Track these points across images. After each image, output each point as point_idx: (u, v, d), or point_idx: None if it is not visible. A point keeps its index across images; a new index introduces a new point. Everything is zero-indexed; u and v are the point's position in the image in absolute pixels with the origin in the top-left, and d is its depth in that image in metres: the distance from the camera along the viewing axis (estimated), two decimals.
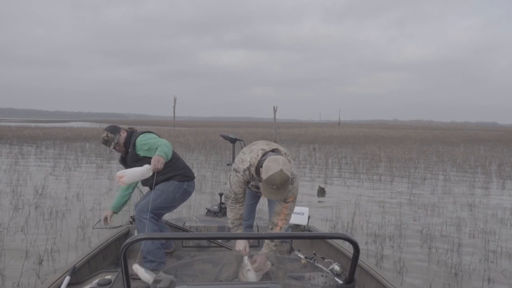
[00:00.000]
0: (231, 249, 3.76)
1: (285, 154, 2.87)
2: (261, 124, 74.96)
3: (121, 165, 3.74)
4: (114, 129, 3.49)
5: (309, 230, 4.22)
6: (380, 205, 7.78)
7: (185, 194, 3.60)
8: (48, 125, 56.20)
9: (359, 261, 1.57)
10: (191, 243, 4.05)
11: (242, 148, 4.32)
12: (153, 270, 3.25)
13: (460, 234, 5.87)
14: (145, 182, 3.50)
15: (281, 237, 2.64)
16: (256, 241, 3.87)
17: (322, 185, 9.38)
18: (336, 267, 3.35)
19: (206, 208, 4.94)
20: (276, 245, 2.96)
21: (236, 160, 2.96)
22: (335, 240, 3.75)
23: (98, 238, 5.15)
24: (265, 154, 2.78)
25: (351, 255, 2.24)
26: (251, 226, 3.56)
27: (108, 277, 2.74)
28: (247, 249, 2.92)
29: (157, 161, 3.10)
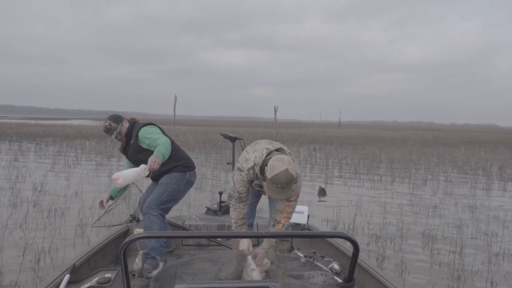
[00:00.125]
0: (230, 248, 3.75)
1: (289, 153, 2.87)
2: (262, 124, 75.04)
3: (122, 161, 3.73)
4: (117, 118, 3.50)
5: (308, 229, 4.21)
6: (381, 206, 7.74)
7: (188, 184, 3.64)
8: (48, 122, 56.26)
9: (358, 260, 1.56)
10: (190, 241, 4.05)
11: (242, 146, 4.32)
12: (154, 267, 3.27)
13: (462, 235, 5.83)
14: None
15: (281, 236, 2.63)
16: (255, 240, 3.86)
17: (323, 186, 9.35)
18: (336, 266, 3.36)
19: (206, 207, 4.93)
20: (276, 241, 2.98)
21: (239, 159, 2.96)
22: (334, 239, 3.75)
23: (97, 236, 5.12)
24: (270, 153, 2.78)
25: (350, 254, 2.22)
26: (251, 225, 3.54)
27: (107, 275, 2.75)
28: (251, 249, 2.92)
29: (154, 162, 3.11)
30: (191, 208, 6.85)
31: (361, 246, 5.10)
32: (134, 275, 3.12)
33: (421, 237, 5.70)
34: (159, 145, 3.23)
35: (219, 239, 3.94)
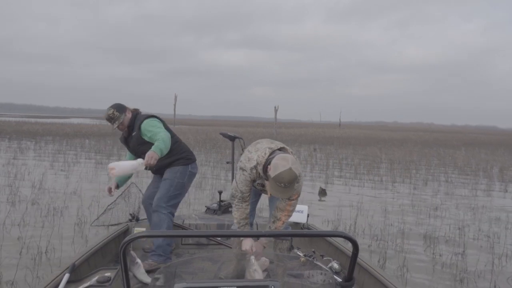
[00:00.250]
0: (230, 247, 3.73)
1: (291, 152, 2.86)
2: (262, 124, 75.04)
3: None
4: (120, 108, 3.47)
5: (308, 228, 4.21)
6: (382, 206, 7.70)
7: (191, 177, 3.66)
8: (48, 120, 56.21)
9: (358, 259, 1.54)
10: (190, 240, 4.04)
11: (241, 146, 4.30)
12: (159, 264, 3.29)
13: (464, 237, 5.79)
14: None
15: (281, 235, 2.61)
16: (256, 239, 3.85)
17: (323, 186, 9.32)
18: (335, 265, 3.36)
19: (206, 206, 4.91)
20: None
21: (241, 159, 2.96)
22: (334, 238, 3.75)
23: (96, 235, 5.08)
24: (272, 152, 2.78)
25: (350, 253, 2.20)
26: (251, 224, 3.52)
27: (107, 274, 2.74)
28: (254, 249, 2.91)
29: (151, 157, 3.09)
30: (190, 207, 6.82)
31: (363, 247, 5.08)
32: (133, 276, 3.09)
33: (423, 238, 5.67)
34: (158, 140, 3.21)
35: (219, 238, 3.92)
